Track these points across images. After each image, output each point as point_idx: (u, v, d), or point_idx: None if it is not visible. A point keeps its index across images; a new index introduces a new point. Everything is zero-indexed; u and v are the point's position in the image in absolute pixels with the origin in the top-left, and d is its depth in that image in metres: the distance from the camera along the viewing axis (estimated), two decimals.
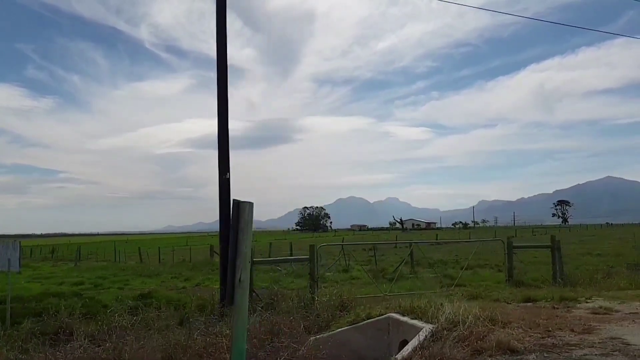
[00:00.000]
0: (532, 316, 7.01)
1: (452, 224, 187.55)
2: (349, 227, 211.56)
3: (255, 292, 10.53)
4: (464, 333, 5.86)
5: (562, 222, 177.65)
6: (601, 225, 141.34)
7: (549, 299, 8.88)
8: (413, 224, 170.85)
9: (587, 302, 8.44)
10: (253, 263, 10.80)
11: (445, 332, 6.00)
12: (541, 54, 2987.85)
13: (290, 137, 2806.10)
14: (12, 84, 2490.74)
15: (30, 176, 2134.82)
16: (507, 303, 9.09)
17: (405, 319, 6.84)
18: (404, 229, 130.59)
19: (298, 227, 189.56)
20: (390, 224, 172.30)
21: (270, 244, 37.11)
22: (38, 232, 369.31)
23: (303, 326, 8.02)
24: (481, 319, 6.36)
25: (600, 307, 7.67)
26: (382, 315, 7.35)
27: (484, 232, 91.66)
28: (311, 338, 7.66)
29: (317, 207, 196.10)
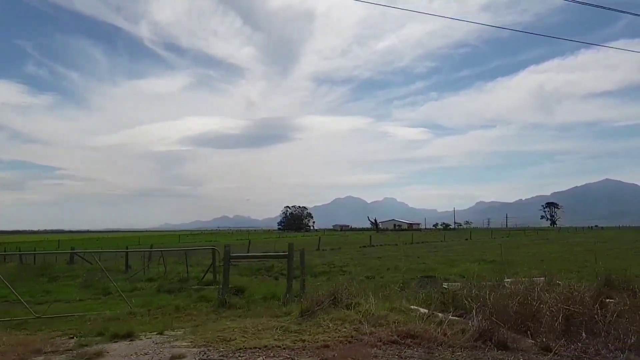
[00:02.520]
0: None
1: (433, 225, 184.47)
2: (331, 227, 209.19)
3: None
4: None
5: (551, 225, 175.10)
6: (576, 228, 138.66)
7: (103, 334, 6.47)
8: (395, 225, 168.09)
9: (120, 342, 6.00)
10: None
11: None
12: (541, 56, 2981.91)
13: (289, 136, 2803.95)
14: (11, 81, 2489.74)
15: (28, 172, 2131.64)
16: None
17: None
18: (377, 230, 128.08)
19: (280, 227, 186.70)
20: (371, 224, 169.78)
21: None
22: (35, 229, 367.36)
23: None
24: None
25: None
26: None
27: (457, 233, 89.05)
28: None
29: (299, 206, 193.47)
